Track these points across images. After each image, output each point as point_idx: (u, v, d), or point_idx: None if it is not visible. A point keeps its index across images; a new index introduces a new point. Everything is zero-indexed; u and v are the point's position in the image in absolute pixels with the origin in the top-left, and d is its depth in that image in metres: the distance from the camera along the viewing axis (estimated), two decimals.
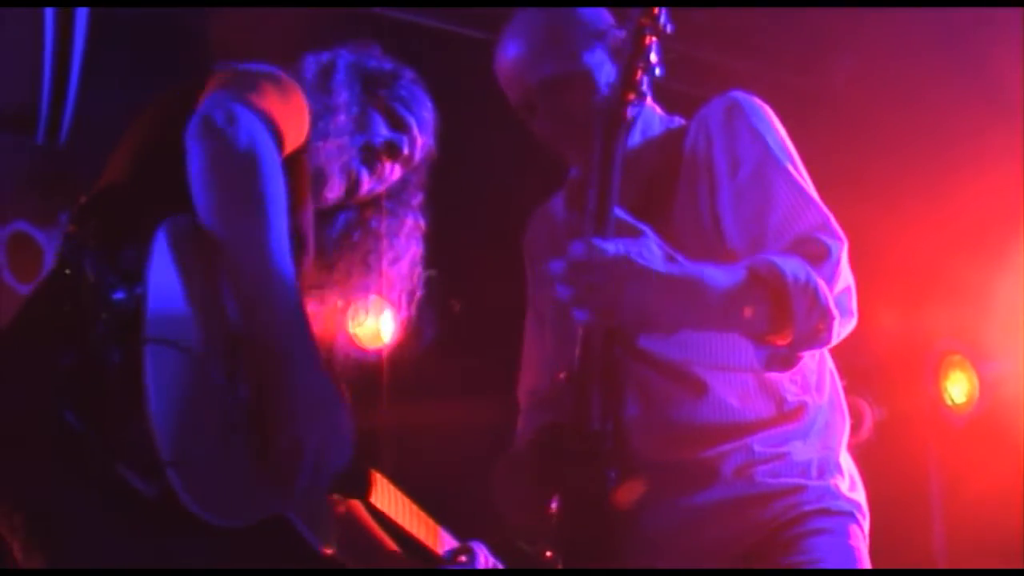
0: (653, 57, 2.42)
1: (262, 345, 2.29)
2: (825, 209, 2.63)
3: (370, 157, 2.92)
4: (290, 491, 2.32)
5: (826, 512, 2.62)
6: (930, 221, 4.80)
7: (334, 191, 2.89)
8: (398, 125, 2.96)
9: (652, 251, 2.34)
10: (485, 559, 3.29)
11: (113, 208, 2.41)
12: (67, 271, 2.23)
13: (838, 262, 2.52)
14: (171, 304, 2.21)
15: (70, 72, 1.59)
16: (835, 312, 2.45)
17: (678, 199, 2.73)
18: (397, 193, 3.06)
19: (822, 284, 2.44)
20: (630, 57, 2.42)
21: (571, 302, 2.31)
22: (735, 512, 2.61)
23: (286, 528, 2.42)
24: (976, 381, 5.20)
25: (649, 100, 2.70)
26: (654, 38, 2.41)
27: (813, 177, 2.71)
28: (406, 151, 2.97)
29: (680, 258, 2.41)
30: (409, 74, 3.03)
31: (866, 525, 2.70)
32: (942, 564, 5.15)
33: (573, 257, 2.30)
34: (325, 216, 2.95)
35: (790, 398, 2.67)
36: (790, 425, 2.67)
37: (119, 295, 2.16)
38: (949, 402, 5.29)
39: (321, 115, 2.82)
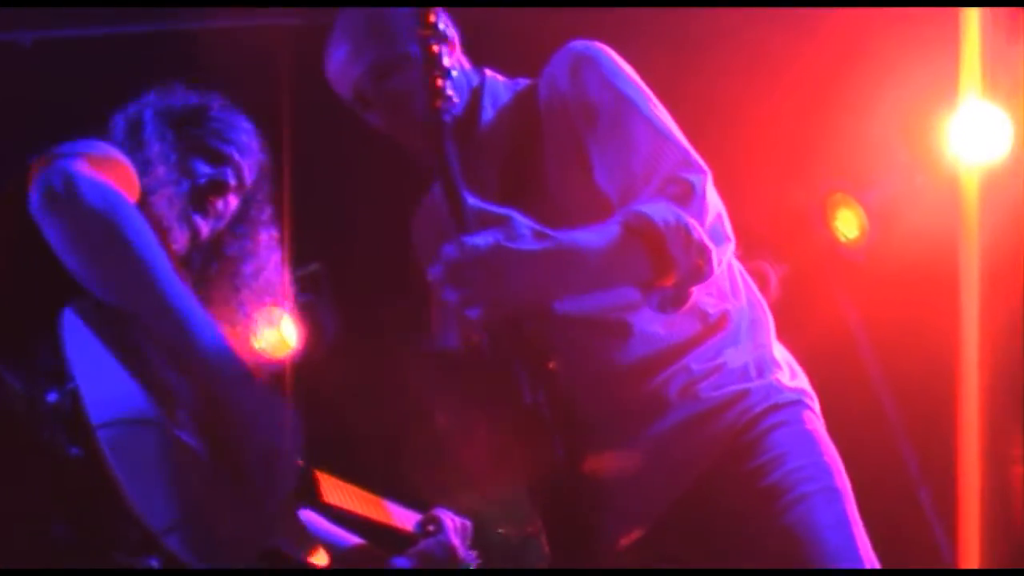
0: (447, 61, 2.44)
1: (198, 377, 2.35)
2: (684, 143, 2.67)
3: (199, 200, 2.91)
4: (275, 494, 2.38)
5: (775, 407, 2.67)
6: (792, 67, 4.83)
7: (178, 241, 2.89)
8: (217, 159, 2.96)
9: (521, 233, 2.37)
10: (452, 522, 3.33)
11: (3, 316, 2.38)
12: None
13: (703, 195, 2.56)
14: (103, 385, 2.21)
15: None
16: (710, 245, 2.51)
17: (548, 169, 2.74)
18: (243, 215, 3.06)
19: (692, 222, 2.49)
20: (424, 70, 2.44)
21: (458, 304, 2.35)
22: (689, 432, 2.64)
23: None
24: (863, 213, 5.28)
25: (488, 72, 2.73)
26: (441, 44, 2.43)
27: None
28: (232, 181, 2.97)
29: (551, 231, 2.43)
30: (217, 102, 3.04)
31: (816, 405, 2.76)
32: (888, 402, 5.26)
33: (447, 259, 2.33)
34: (182, 260, 2.93)
35: (711, 311, 2.71)
36: (718, 336, 2.71)
37: (53, 396, 2.17)
38: (843, 239, 5.37)
39: (143, 171, 2.80)
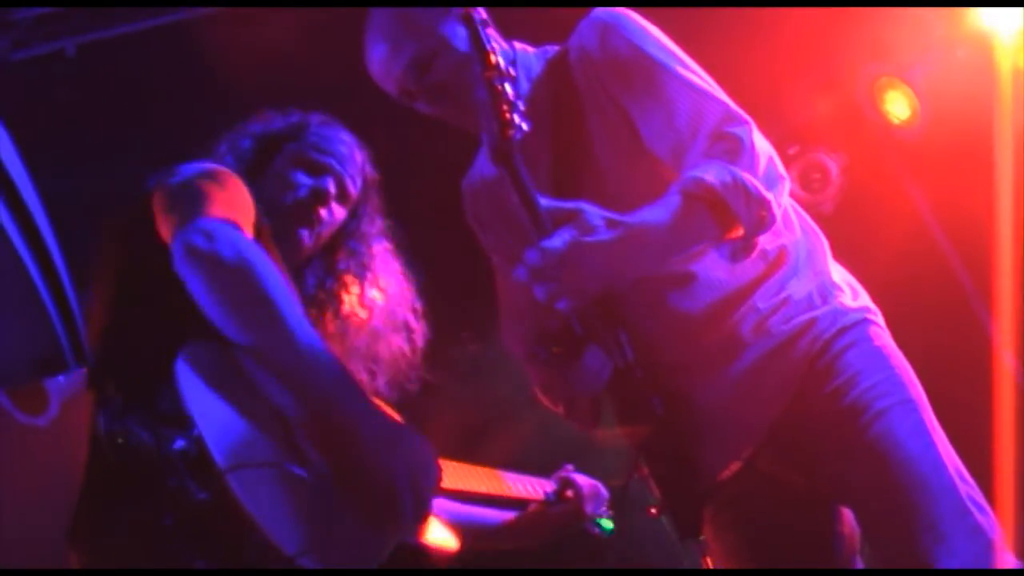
0: (509, 89, 2.55)
1: (324, 417, 2.42)
2: (722, 96, 2.76)
3: (302, 212, 2.94)
4: (399, 523, 2.45)
5: (843, 330, 2.76)
6: None
7: (282, 253, 2.92)
8: (316, 170, 2.98)
9: (593, 224, 2.53)
10: (587, 484, 3.35)
11: (124, 361, 2.50)
12: (119, 440, 2.32)
13: (752, 146, 2.66)
14: (225, 428, 2.32)
15: (64, 289, 1.64)
16: (768, 195, 2.62)
17: (596, 140, 2.82)
18: (354, 229, 3.08)
19: (748, 177, 2.61)
20: (493, 108, 2.54)
21: (548, 300, 2.52)
22: (768, 366, 2.75)
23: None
24: (911, 93, 5.31)
25: (518, 45, 2.89)
26: (505, 81, 2.55)
27: None
28: (334, 190, 2.98)
29: (620, 217, 2.56)
30: (316, 118, 3.07)
31: (880, 319, 2.86)
32: (966, 280, 5.27)
33: (531, 264, 2.50)
34: (294, 278, 2.97)
35: (770, 248, 2.81)
36: (780, 271, 2.80)
37: (180, 444, 2.27)
38: (896, 121, 5.40)
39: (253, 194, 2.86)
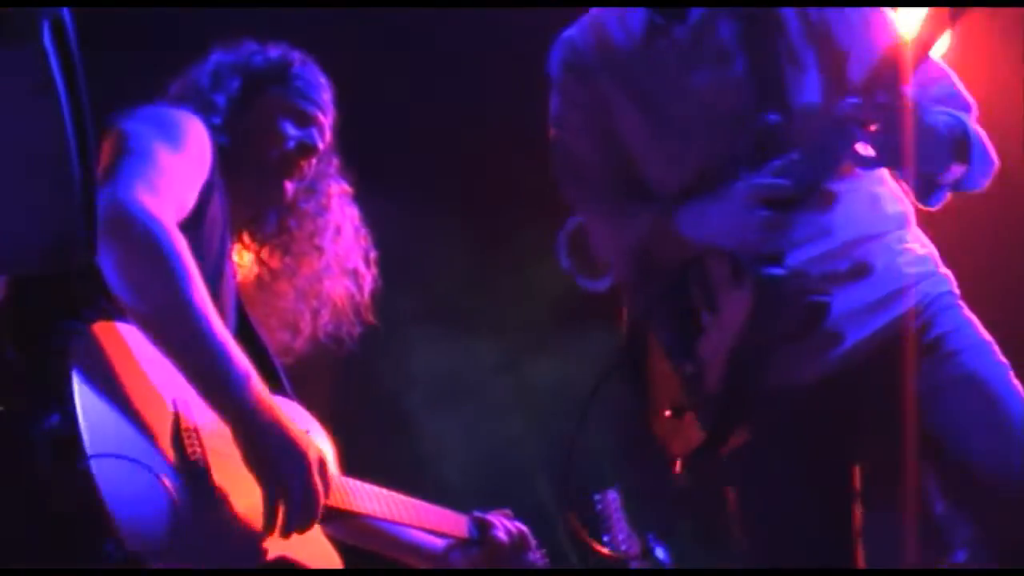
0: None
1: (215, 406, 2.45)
2: None
3: (289, 163, 2.96)
4: (289, 509, 2.48)
5: (949, 294, 2.97)
6: None
7: (265, 203, 2.99)
8: (303, 120, 2.99)
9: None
10: (516, 530, 3.31)
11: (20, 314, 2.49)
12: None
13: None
14: (103, 417, 2.31)
15: (94, 185, 1.65)
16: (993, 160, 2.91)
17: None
18: (318, 169, 3.10)
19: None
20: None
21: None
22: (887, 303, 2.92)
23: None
24: None
25: None
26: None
27: None
28: (319, 143, 3.01)
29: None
30: (298, 57, 3.04)
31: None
32: None
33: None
34: (258, 216, 3.03)
35: (904, 208, 3.00)
36: (908, 227, 2.99)
37: (54, 419, 2.25)
38: None
39: (229, 134, 2.88)
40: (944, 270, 2.98)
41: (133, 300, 2.41)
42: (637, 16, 3.03)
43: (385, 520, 3.05)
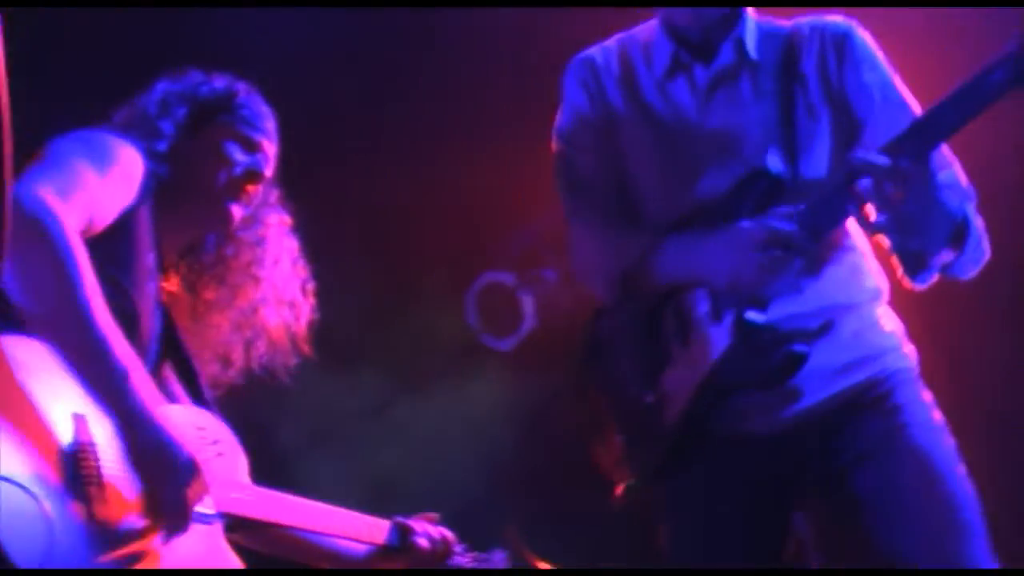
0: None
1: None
2: None
3: (236, 189, 3.00)
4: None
5: (906, 371, 3.02)
6: None
7: (210, 226, 3.03)
8: (250, 147, 3.03)
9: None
10: (438, 535, 3.30)
11: None
12: None
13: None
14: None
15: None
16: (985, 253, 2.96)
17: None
18: (257, 199, 3.13)
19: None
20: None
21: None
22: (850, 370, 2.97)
23: None
24: None
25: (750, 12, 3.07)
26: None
27: None
28: (264, 169, 3.05)
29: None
30: (243, 87, 3.10)
31: None
32: None
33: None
34: (196, 241, 3.07)
35: (881, 284, 3.05)
36: (881, 301, 3.04)
37: None
38: None
39: (172, 159, 2.92)
40: (909, 347, 3.05)
41: (17, 285, 2.45)
42: (663, 50, 3.09)
43: (301, 529, 3.04)
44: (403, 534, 3.25)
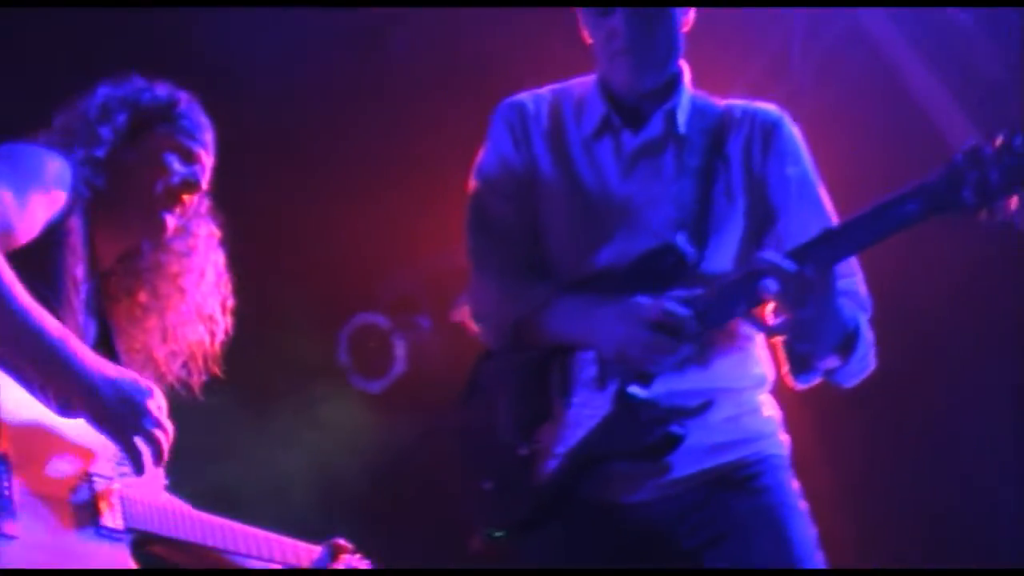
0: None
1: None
2: None
3: (172, 198, 2.98)
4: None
5: (778, 458, 3.03)
6: None
7: (145, 234, 3.02)
8: (189, 158, 3.02)
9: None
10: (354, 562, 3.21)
11: None
12: None
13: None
14: None
15: None
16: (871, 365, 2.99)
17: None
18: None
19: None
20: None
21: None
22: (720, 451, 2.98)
23: None
24: None
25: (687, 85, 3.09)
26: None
27: None
28: (202, 180, 3.05)
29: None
30: (184, 97, 3.08)
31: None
32: None
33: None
34: (133, 248, 3.05)
35: (767, 372, 3.06)
36: (764, 387, 3.06)
37: None
38: None
39: (109, 165, 2.92)
40: (784, 436, 3.06)
41: None
42: (595, 109, 3.10)
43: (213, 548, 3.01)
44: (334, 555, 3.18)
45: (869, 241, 2.72)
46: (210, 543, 2.96)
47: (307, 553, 3.15)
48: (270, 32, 5.10)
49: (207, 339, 3.11)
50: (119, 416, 2.59)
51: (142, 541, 2.81)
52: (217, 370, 3.13)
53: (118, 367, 2.65)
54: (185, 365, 3.09)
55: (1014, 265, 4.79)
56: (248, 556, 3.05)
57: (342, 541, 3.18)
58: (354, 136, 5.55)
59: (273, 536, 3.10)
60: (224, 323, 3.14)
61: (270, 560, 3.07)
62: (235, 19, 5.01)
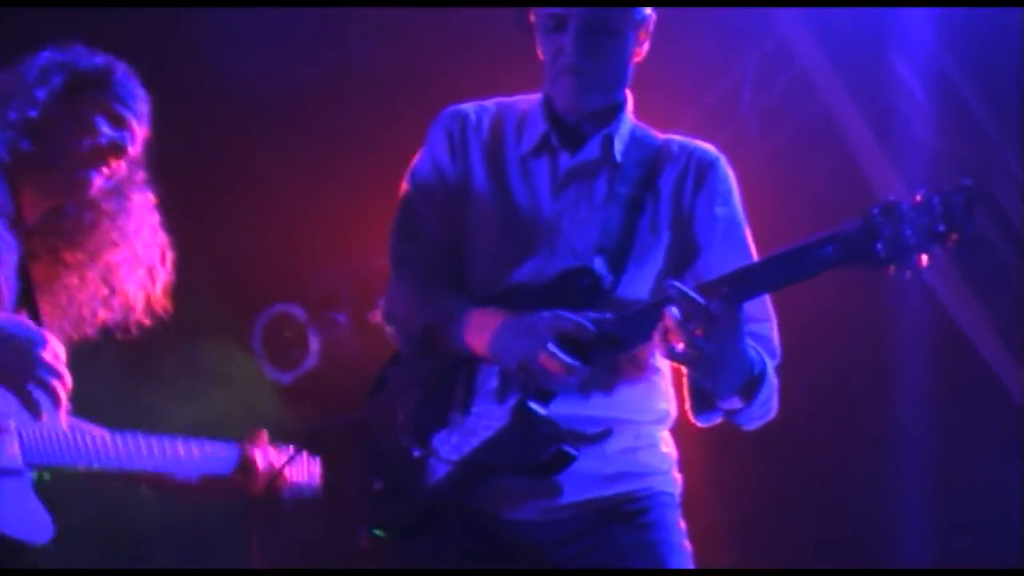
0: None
1: None
2: None
3: (98, 157, 3.10)
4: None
5: (669, 496, 3.05)
6: None
7: (67, 193, 3.13)
8: (118, 123, 3.13)
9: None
10: (276, 455, 3.36)
11: None
12: None
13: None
14: None
15: None
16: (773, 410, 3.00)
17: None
18: (123, 175, 3.22)
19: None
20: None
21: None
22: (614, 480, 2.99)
23: None
24: None
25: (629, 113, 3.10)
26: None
27: None
28: (129, 145, 3.14)
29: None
30: (122, 68, 3.19)
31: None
32: None
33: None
34: (59, 209, 3.16)
35: (670, 408, 3.07)
36: (664, 424, 3.07)
37: None
38: None
39: (41, 119, 3.05)
40: (677, 474, 3.08)
41: None
42: (536, 127, 3.10)
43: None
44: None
45: (781, 282, 2.73)
46: (127, 466, 3.09)
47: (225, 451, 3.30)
48: (219, 26, 5.17)
49: (148, 284, 3.23)
50: (10, 366, 2.70)
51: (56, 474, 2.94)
52: (163, 313, 3.28)
53: (12, 317, 2.73)
54: (123, 310, 3.21)
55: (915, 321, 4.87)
56: (165, 469, 3.19)
57: (251, 445, 3.33)
58: (300, 132, 5.57)
59: (186, 441, 3.24)
60: (165, 272, 3.26)
61: (189, 465, 3.22)
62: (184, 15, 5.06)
